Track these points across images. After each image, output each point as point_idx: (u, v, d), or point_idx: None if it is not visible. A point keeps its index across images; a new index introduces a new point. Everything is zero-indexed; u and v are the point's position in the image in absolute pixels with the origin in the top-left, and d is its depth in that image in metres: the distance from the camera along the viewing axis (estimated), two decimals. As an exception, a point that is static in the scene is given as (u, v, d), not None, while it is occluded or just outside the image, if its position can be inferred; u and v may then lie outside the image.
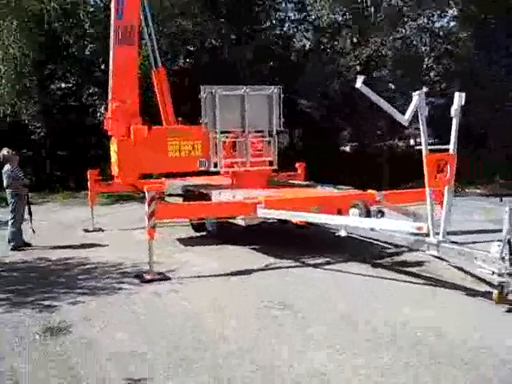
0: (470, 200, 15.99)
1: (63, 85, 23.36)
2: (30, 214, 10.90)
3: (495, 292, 6.30)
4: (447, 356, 5.05)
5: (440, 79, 23.75)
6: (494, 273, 6.16)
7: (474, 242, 8.24)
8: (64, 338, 5.67)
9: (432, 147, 6.94)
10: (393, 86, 21.81)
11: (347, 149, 27.13)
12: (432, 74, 24.04)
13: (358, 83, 6.62)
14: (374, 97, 6.82)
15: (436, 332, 5.64)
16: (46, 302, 6.91)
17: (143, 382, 4.63)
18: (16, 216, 10.62)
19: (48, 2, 17.79)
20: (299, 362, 4.97)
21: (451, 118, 6.90)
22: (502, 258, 6.03)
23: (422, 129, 6.74)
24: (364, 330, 5.77)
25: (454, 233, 9.55)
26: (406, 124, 6.90)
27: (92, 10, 21.46)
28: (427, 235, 7.09)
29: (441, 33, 23.12)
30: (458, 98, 6.83)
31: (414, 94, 6.69)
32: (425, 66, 23.07)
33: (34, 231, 10.75)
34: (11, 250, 10.34)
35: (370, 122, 20.61)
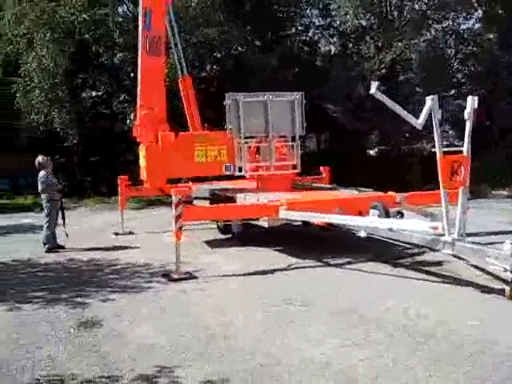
0: (494, 202, 16.08)
1: (94, 93, 23.99)
2: (64, 218, 11.38)
3: (507, 289, 6.51)
4: (455, 349, 5.29)
5: (467, 81, 23.79)
6: (506, 270, 6.38)
7: (493, 243, 8.41)
8: (96, 331, 6.06)
9: (446, 149, 7.18)
10: (420, 89, 21.98)
11: (372, 152, 27.26)
12: (459, 75, 24.11)
13: (373, 89, 6.91)
14: (389, 102, 7.09)
15: (446, 326, 5.88)
16: (79, 299, 7.33)
17: (169, 369, 4.97)
18: (50, 220, 11.11)
19: (79, 14, 18.36)
20: (312, 352, 5.28)
21: (466, 120, 7.16)
22: (514, 256, 6.24)
23: (435, 132, 6.99)
24: (375, 324, 6.04)
25: (476, 234, 9.84)
26: (419, 127, 7.15)
27: (121, 20, 22.11)
28: (443, 235, 7.32)
29: (465, 35, 23.12)
30: (471, 102, 7.08)
31: (427, 98, 6.94)
32: (451, 68, 23.12)
33: (67, 235, 11.21)
34: (46, 251, 10.82)
35: (397, 125, 20.77)
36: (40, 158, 11.38)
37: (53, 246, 11.00)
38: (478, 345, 5.35)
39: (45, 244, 10.99)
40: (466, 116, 7.08)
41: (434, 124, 6.99)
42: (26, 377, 4.93)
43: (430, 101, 6.93)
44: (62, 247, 11.11)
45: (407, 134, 22.55)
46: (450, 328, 5.86)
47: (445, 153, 7.13)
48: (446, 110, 19.90)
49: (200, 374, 4.87)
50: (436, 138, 6.99)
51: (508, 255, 6.31)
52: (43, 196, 11.22)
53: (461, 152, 7.24)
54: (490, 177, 20.47)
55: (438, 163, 7.07)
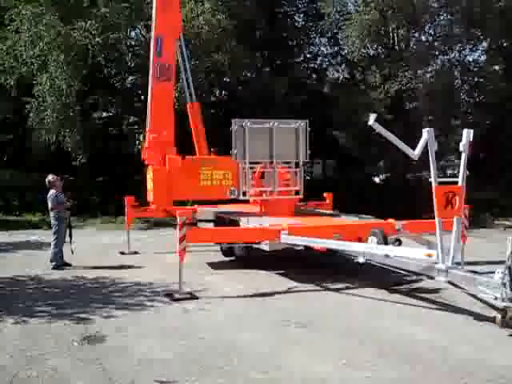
0: (497, 232, 16.29)
1: (104, 114, 24.47)
2: (71, 236, 11.67)
3: (498, 316, 6.73)
4: (443, 369, 5.52)
5: (473, 111, 24.11)
6: (496, 298, 6.60)
7: (490, 272, 8.62)
8: (99, 346, 6.32)
9: (442, 179, 7.45)
10: (429, 117, 22.32)
11: (378, 179, 27.52)
12: (465, 105, 24.44)
13: (371, 121, 7.21)
14: (386, 133, 7.39)
15: (435, 349, 6.12)
16: (83, 315, 7.58)
17: (169, 383, 5.21)
18: (58, 238, 11.41)
19: (93, 38, 18.86)
20: (307, 370, 5.51)
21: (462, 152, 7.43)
22: (504, 284, 6.47)
23: (431, 163, 7.25)
24: (369, 345, 6.27)
25: (475, 263, 10.07)
26: (415, 158, 7.44)
27: (133, 43, 22.68)
28: (438, 262, 7.55)
29: (471, 66, 23.49)
30: (467, 134, 7.37)
31: (423, 130, 7.23)
32: (457, 98, 23.45)
33: (72, 252, 11.48)
34: (52, 268, 11.10)
35: (402, 154, 20.99)
36: (50, 177, 11.70)
37: (59, 263, 11.27)
38: (468, 367, 5.57)
39: (52, 261, 11.27)
40: (461, 148, 7.36)
41: (430, 155, 7.26)
42: (32, 386, 5.18)
43: (426, 133, 7.21)
44: (69, 265, 11.38)
45: (414, 162, 22.80)
46: (443, 351, 6.10)
47: (440, 183, 7.39)
48: (452, 139, 20.25)
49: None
50: (432, 169, 7.24)
51: (498, 284, 6.54)
52: (52, 214, 11.53)
53: (456, 183, 7.49)
54: (495, 206, 20.72)
55: (433, 193, 7.32)
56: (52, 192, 11.51)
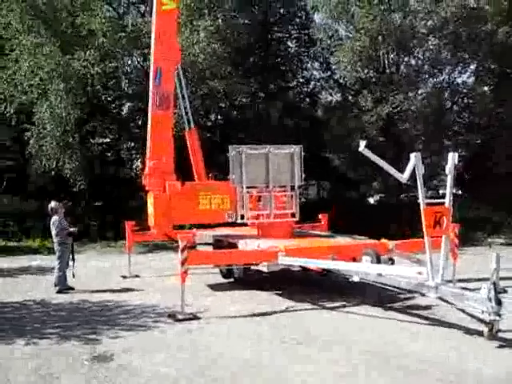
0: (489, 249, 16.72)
1: (102, 140, 24.85)
2: (74, 260, 12.00)
3: (485, 330, 7.12)
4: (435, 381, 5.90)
5: (464, 132, 24.69)
6: (483, 312, 7.01)
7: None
8: (108, 365, 6.67)
9: (429, 201, 7.89)
10: (422, 138, 22.87)
11: (372, 200, 27.94)
12: (456, 127, 25.02)
13: (361, 147, 7.65)
14: (376, 159, 7.83)
15: (426, 362, 6.51)
16: (91, 336, 7.93)
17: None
18: (62, 262, 11.71)
19: (92, 67, 19.36)
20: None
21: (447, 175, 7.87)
22: (489, 299, 6.87)
23: (419, 185, 7.67)
24: (365, 359, 6.64)
25: (467, 280, 10.49)
26: (404, 181, 7.88)
27: (130, 71, 23.22)
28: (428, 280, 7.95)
29: (460, 88, 24.07)
30: (452, 158, 7.81)
31: (411, 154, 7.67)
32: (447, 119, 24.02)
33: (74, 276, 11.78)
34: (57, 292, 11.42)
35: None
36: (53, 204, 12.04)
37: (64, 287, 11.59)
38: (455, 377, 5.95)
39: (56, 285, 11.59)
40: (447, 171, 7.80)
41: (417, 179, 7.68)
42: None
43: (413, 157, 7.64)
44: (72, 288, 11.68)
45: (409, 182, 23.25)
46: (433, 362, 6.50)
47: (428, 204, 7.82)
48: (444, 159, 20.59)
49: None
50: (420, 191, 7.66)
51: (484, 298, 6.94)
52: (55, 240, 11.86)
53: (443, 204, 7.92)
54: (487, 224, 21.13)
55: (421, 214, 7.73)
56: (55, 218, 11.84)
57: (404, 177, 7.76)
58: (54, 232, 11.84)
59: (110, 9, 22.90)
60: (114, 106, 24.19)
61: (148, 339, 7.81)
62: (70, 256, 11.95)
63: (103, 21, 19.86)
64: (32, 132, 20.64)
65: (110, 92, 23.19)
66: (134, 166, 24.03)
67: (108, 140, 24.86)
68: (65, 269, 11.78)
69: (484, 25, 21.32)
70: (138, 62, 22.89)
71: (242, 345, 7.47)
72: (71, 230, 11.99)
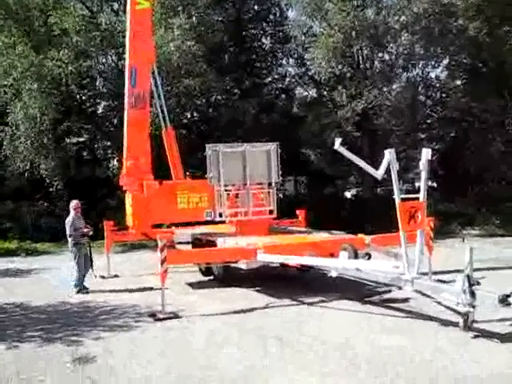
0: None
1: (77, 139, 24.65)
2: (91, 260, 11.97)
3: (461, 321, 7.30)
4: (409, 373, 6.05)
5: (437, 125, 25.06)
6: (458, 304, 7.19)
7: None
8: (90, 366, 6.71)
9: (404, 196, 8.04)
10: (396, 132, 23.18)
11: (348, 195, 28.16)
12: (429, 120, 25.38)
13: (336, 145, 7.77)
14: (351, 156, 7.96)
15: (404, 354, 6.65)
16: (73, 338, 7.96)
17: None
18: (79, 263, 11.55)
19: (66, 66, 19.22)
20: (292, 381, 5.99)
21: (421, 171, 8.03)
22: (464, 291, 7.05)
23: (394, 181, 7.83)
24: (342, 354, 6.77)
25: (442, 272, 10.69)
26: (379, 178, 8.02)
27: (104, 69, 23.08)
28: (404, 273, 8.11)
29: (433, 82, 24.44)
30: (425, 154, 7.96)
31: (385, 151, 7.81)
32: (421, 113, 24.35)
33: (96, 276, 12.17)
34: (76, 293, 11.30)
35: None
36: (72, 203, 11.98)
37: (81, 288, 11.47)
38: (431, 370, 6.11)
39: (76, 286, 11.49)
40: (420, 167, 7.95)
41: (392, 174, 7.84)
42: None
43: (388, 154, 7.79)
44: (88, 289, 11.52)
45: (385, 176, 23.51)
46: (410, 354, 6.66)
47: (403, 199, 7.97)
48: (418, 153, 20.84)
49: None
50: (394, 187, 7.81)
51: (459, 291, 7.12)
52: (69, 240, 11.70)
53: (418, 198, 8.08)
54: (462, 217, 21.47)
55: (397, 209, 7.88)
56: (69, 218, 11.69)
57: (379, 173, 7.90)
58: (67, 232, 11.70)
59: (83, 7, 22.68)
60: (89, 105, 24.03)
61: (129, 340, 7.84)
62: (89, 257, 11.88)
63: (76, 19, 19.76)
64: (6, 133, 20.48)
65: (84, 91, 23.03)
66: (110, 165, 23.90)
67: (84, 139, 24.71)
68: (83, 270, 11.64)
69: (455, 20, 21.66)
70: (113, 61, 22.74)
71: (222, 344, 7.53)
72: (85, 230, 11.86)
